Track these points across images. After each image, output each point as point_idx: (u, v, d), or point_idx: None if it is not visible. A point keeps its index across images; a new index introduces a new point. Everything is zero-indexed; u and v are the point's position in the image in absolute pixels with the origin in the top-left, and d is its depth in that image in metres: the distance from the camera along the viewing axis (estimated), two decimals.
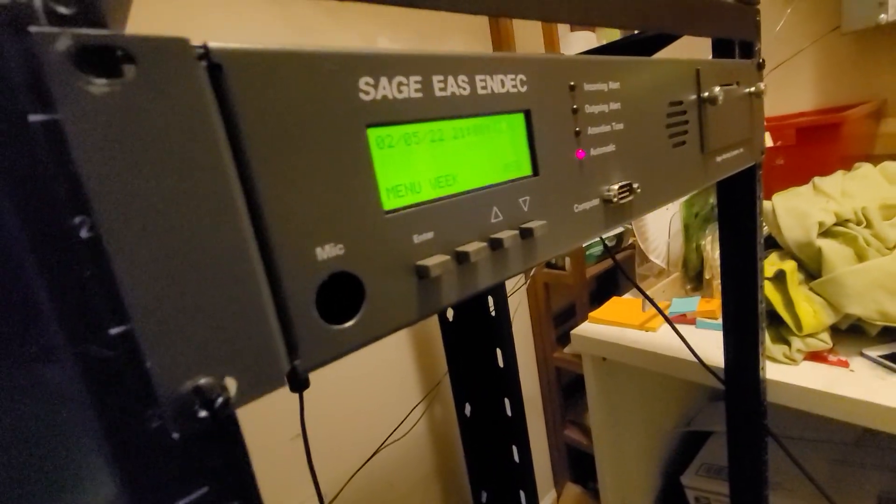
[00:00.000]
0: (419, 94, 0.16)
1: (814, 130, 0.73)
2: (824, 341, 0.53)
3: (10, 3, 0.09)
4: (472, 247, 0.17)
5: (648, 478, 0.90)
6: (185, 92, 0.11)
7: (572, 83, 0.22)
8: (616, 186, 0.24)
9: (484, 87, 0.18)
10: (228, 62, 0.11)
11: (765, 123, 0.92)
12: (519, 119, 0.19)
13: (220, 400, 0.11)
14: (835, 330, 0.55)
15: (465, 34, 0.99)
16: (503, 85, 0.18)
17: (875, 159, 0.86)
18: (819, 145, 0.73)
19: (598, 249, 1.10)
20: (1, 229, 0.10)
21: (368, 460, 0.79)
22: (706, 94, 0.32)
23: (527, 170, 0.20)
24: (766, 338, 0.55)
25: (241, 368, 0.12)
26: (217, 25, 0.65)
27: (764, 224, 0.62)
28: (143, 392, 0.11)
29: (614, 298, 0.80)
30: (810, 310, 0.53)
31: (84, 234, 0.10)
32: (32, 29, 0.09)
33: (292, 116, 0.13)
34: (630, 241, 1.11)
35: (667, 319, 0.57)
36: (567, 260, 1.07)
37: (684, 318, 0.69)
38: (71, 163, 0.10)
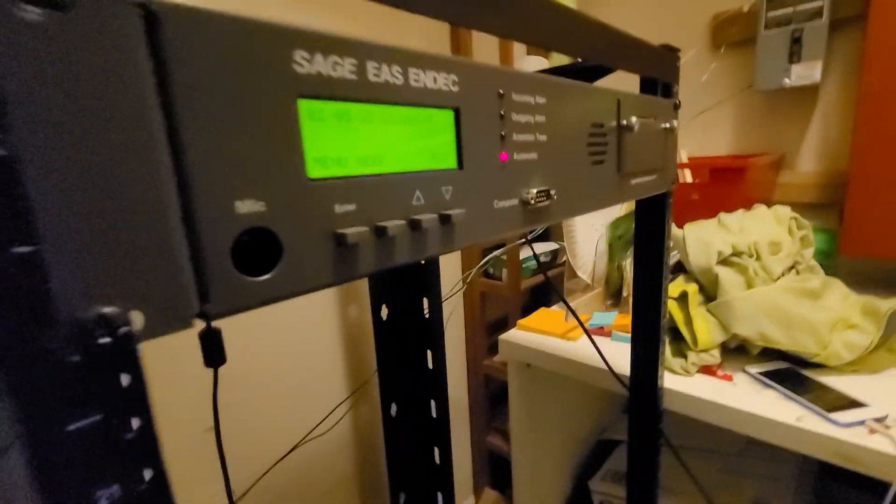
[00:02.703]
0: (353, 76, 0.17)
1: (724, 172, 0.82)
2: (714, 357, 0.60)
3: None
4: (391, 223, 0.18)
5: (560, 483, 0.94)
6: (118, 34, 0.11)
7: (501, 91, 0.24)
8: (535, 190, 0.27)
9: (417, 81, 0.19)
10: (165, 13, 0.12)
11: (686, 160, 1.01)
12: (448, 115, 0.21)
13: (123, 329, 0.12)
14: (724, 348, 0.62)
15: (425, 40, 1.01)
16: (435, 81, 0.20)
17: (773, 204, 0.98)
18: (727, 185, 0.82)
19: (534, 263, 1.15)
20: None
21: (285, 456, 0.77)
22: (625, 121, 0.36)
23: (452, 162, 0.22)
24: (668, 351, 0.61)
25: (149, 303, 0.12)
26: None
27: (676, 250, 0.69)
28: (42, 313, 0.11)
29: (542, 309, 0.84)
30: (705, 328, 0.60)
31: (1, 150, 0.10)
32: None
33: (224, 76, 0.13)
34: (563, 258, 1.18)
35: (585, 330, 0.61)
36: (504, 271, 1.11)
37: (602, 331, 0.75)
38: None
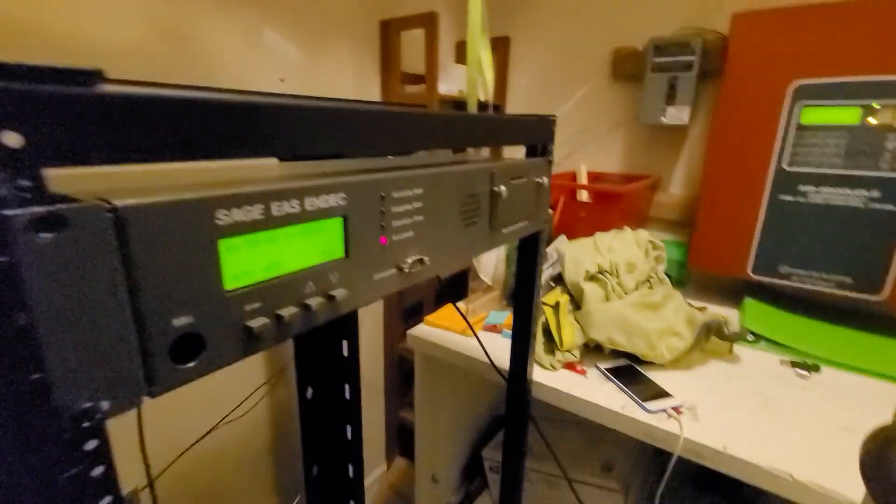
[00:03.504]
0: (261, 215, 0.24)
1: (605, 195, 0.97)
2: (576, 356, 0.74)
3: None
4: (287, 311, 0.26)
5: (458, 452, 1.09)
6: (99, 233, 0.18)
7: (383, 194, 0.32)
8: (410, 261, 0.35)
9: (312, 205, 0.27)
10: (126, 211, 0.19)
11: (586, 176, 1.14)
12: (338, 222, 0.29)
13: (98, 415, 0.19)
14: (586, 348, 0.77)
15: (353, 41, 1.04)
16: (327, 202, 0.28)
17: (650, 221, 1.15)
18: (609, 206, 0.96)
19: None
20: None
21: (199, 440, 0.82)
22: (496, 188, 0.45)
23: (340, 254, 0.30)
24: (541, 350, 0.75)
25: (113, 395, 0.19)
26: (95, 6, 0.61)
27: (559, 265, 0.82)
28: (48, 410, 0.18)
29: (448, 306, 0.95)
30: (570, 332, 0.73)
31: (22, 321, 0.17)
32: (7, 212, 0.15)
33: (166, 240, 0.20)
34: None
35: (472, 330, 0.72)
36: None
37: (496, 328, 0.87)
38: (23, 284, 0.16)
